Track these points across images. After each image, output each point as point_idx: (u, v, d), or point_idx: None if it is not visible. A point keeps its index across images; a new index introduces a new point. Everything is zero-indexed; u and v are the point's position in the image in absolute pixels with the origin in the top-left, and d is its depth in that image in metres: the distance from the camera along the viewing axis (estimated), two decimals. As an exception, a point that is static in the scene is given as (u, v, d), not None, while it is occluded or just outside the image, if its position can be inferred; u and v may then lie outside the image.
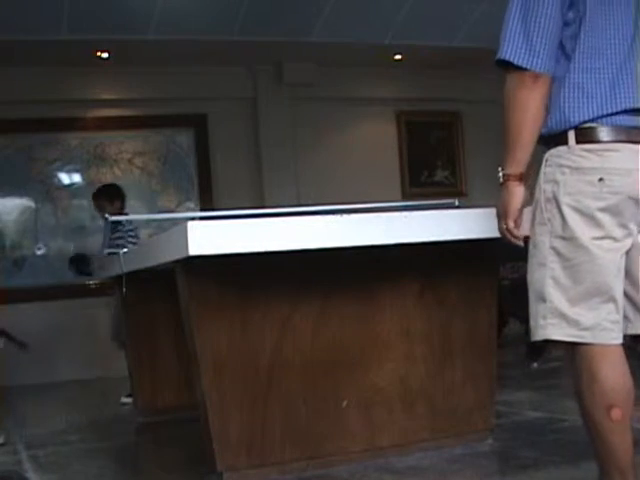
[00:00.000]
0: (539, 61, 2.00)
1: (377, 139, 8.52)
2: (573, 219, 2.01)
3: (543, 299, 2.06)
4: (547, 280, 2.05)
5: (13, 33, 6.38)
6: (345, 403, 3.33)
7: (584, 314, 2.02)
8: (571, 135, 2.02)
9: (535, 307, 2.09)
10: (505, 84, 2.07)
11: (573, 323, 2.02)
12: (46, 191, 7.51)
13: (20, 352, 5.60)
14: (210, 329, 3.12)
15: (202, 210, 7.55)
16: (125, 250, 3.96)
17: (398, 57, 7.94)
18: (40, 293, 7.16)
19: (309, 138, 8.15)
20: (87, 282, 7.14)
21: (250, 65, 7.90)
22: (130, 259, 3.84)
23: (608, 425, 2.00)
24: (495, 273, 3.73)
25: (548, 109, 2.06)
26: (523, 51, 2.01)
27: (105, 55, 7.19)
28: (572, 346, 2.05)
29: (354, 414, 3.35)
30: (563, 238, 2.03)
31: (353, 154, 8.30)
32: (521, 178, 2.09)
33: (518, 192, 2.09)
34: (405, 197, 8.28)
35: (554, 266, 2.05)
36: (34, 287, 7.19)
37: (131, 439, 4.68)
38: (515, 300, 6.29)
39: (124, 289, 4.08)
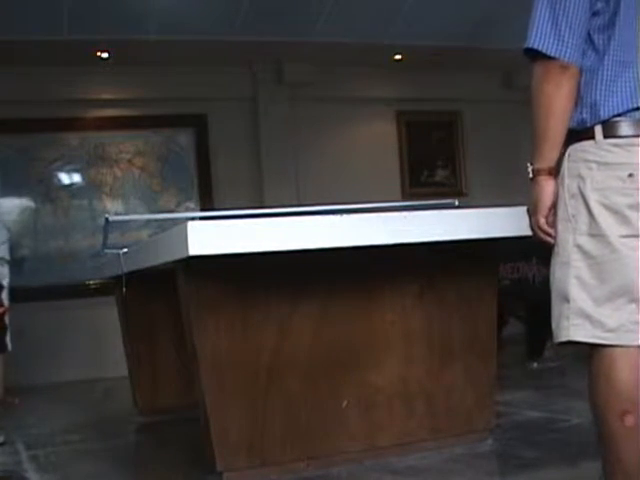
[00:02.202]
0: (568, 51, 1.95)
1: (377, 139, 8.51)
2: (602, 216, 1.94)
3: (567, 299, 2.00)
4: (571, 280, 1.99)
5: (13, 33, 6.38)
6: (345, 403, 3.33)
7: (609, 315, 1.96)
8: (598, 129, 1.96)
9: (558, 308, 2.03)
10: (533, 76, 2.01)
11: (597, 324, 1.96)
12: (46, 191, 7.51)
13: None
14: (210, 329, 3.12)
15: (202, 210, 7.55)
16: (125, 250, 3.96)
17: (398, 57, 7.94)
18: (40, 293, 7.16)
19: (309, 138, 8.15)
20: (87, 282, 7.15)
21: (250, 65, 7.90)
22: (130, 259, 3.84)
23: (620, 430, 1.95)
24: (495, 273, 3.73)
25: (576, 102, 2.00)
26: (551, 40, 1.95)
27: (105, 55, 7.19)
28: (591, 347, 2.00)
29: (354, 414, 3.35)
30: (590, 235, 1.96)
31: (353, 154, 8.30)
32: (551, 172, 2.02)
33: (549, 187, 2.02)
34: (405, 197, 8.28)
35: (579, 265, 1.98)
36: (34, 287, 7.18)
37: (131, 439, 4.69)
38: (515, 300, 6.31)
39: (124, 289, 4.09)
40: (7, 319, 4.78)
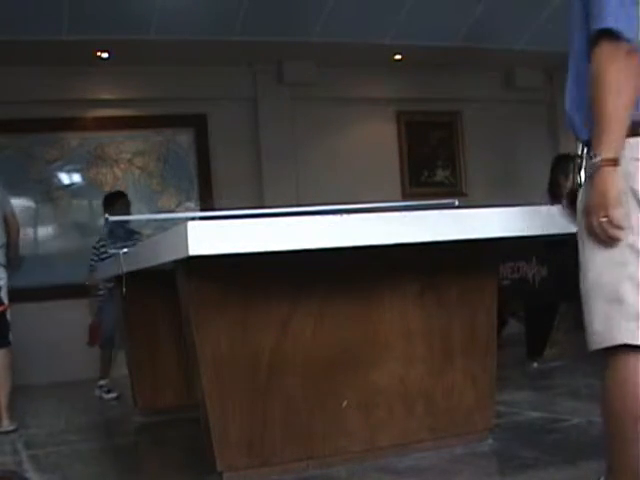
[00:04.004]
0: (637, 31, 1.87)
1: (377, 139, 8.51)
2: None
3: (619, 301, 1.90)
4: (624, 281, 1.89)
5: (13, 33, 6.38)
6: (345, 403, 3.33)
7: None
8: None
9: (606, 310, 1.93)
10: (595, 60, 1.91)
11: None
12: (46, 191, 7.52)
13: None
14: (210, 329, 3.12)
15: (202, 210, 7.55)
16: (125, 250, 3.96)
17: (398, 57, 7.95)
18: (40, 293, 7.16)
19: (309, 138, 8.15)
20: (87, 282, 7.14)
21: (250, 65, 7.90)
22: (130, 259, 3.84)
23: (635, 435, 1.92)
24: (495, 273, 3.73)
25: None
26: (623, 21, 1.86)
27: (105, 55, 7.19)
28: (611, 350, 1.94)
29: (354, 414, 3.35)
30: None
31: (353, 154, 8.30)
32: (617, 163, 1.87)
33: (616, 178, 1.87)
34: (405, 197, 8.28)
35: (633, 265, 1.88)
36: (34, 287, 7.18)
37: (131, 439, 4.69)
38: (515, 300, 6.31)
39: (124, 289, 4.08)
40: (9, 316, 4.85)
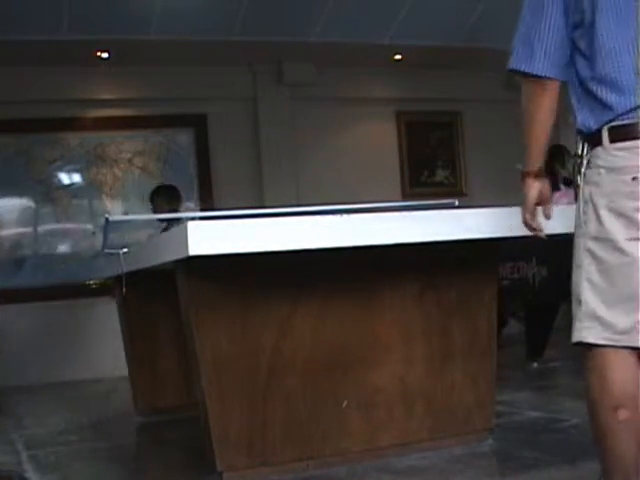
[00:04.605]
0: (540, 66, 2.09)
1: (377, 139, 8.51)
2: (609, 220, 2.00)
3: (579, 301, 2.06)
4: (583, 283, 2.06)
5: (13, 33, 6.38)
6: (345, 403, 3.33)
7: (619, 317, 2.00)
8: (605, 134, 2.03)
9: (573, 310, 2.10)
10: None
11: (608, 326, 2.00)
12: (46, 191, 7.51)
13: None
14: (210, 329, 3.13)
15: (202, 210, 7.55)
16: (125, 250, 3.96)
17: (398, 57, 7.94)
18: (40, 293, 7.15)
19: (309, 138, 8.15)
20: (87, 282, 7.15)
21: (250, 65, 7.90)
22: (130, 259, 3.84)
23: (615, 424, 2.00)
24: (495, 273, 3.73)
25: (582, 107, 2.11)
26: (524, 58, 2.12)
27: (105, 55, 7.19)
28: (584, 346, 2.05)
29: (354, 414, 3.35)
30: (599, 239, 2.02)
31: (353, 154, 8.30)
32: (536, 175, 2.20)
33: (534, 187, 2.20)
34: (405, 197, 8.27)
35: (590, 268, 2.04)
36: (34, 287, 7.18)
37: (131, 439, 4.69)
38: (515, 300, 6.31)
39: (124, 289, 4.08)
40: None
